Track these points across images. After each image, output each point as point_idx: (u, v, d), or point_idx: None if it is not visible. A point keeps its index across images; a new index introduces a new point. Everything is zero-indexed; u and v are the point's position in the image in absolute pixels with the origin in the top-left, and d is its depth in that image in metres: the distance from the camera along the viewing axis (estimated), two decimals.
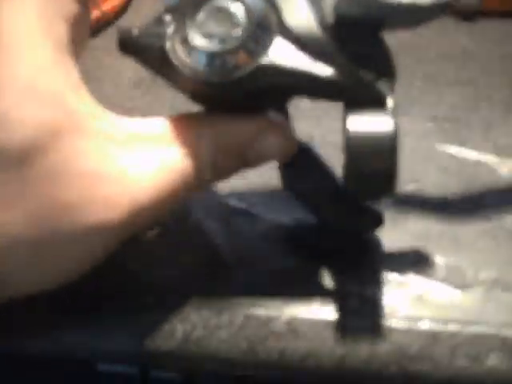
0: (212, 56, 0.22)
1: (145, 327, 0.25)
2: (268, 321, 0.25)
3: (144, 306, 0.25)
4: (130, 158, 0.22)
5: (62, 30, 0.22)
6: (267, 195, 0.30)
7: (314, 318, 0.25)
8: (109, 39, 0.44)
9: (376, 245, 0.27)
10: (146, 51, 0.23)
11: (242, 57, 0.22)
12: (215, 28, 0.22)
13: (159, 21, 0.23)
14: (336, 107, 0.23)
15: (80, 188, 0.21)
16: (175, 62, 0.22)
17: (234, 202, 0.29)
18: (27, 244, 0.21)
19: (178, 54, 0.22)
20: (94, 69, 0.39)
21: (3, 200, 0.20)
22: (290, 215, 0.28)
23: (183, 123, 0.23)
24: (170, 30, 0.23)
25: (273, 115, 0.24)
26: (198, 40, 0.22)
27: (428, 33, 0.34)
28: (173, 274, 0.27)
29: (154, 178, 0.22)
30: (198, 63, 0.22)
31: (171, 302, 0.25)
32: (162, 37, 0.23)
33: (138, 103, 0.37)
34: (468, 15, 0.26)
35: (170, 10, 0.23)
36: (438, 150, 0.27)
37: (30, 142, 0.20)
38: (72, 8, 0.23)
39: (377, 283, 0.25)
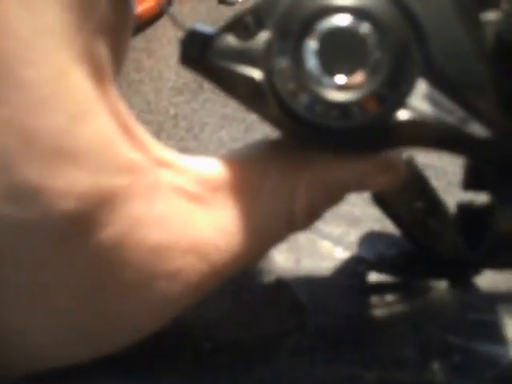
0: (330, 104, 0.16)
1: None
2: (353, 378, 0.21)
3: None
4: (205, 215, 0.17)
5: (101, 49, 0.16)
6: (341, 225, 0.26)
7: (409, 378, 0.21)
8: (148, 39, 0.40)
9: (475, 286, 0.23)
10: (226, 74, 0.17)
11: (370, 105, 0.16)
12: (335, 60, 0.16)
13: (242, 28, 0.17)
14: None
15: (141, 265, 0.16)
16: (271, 99, 0.16)
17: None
18: (77, 328, 0.17)
19: (277, 87, 0.16)
20: (133, 72, 0.35)
21: (45, 292, 0.16)
22: (371, 249, 0.25)
23: (272, 165, 0.18)
24: (260, 46, 0.16)
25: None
26: (307, 76, 0.16)
27: None
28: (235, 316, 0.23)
29: (234, 240, 0.17)
30: (308, 108, 0.16)
31: (228, 348, 0.22)
32: (248, 57, 0.16)
33: (183, 110, 0.34)
34: None
35: (253, 13, 0.16)
36: None
37: (74, 218, 0.15)
38: (109, 14, 0.16)
39: (482, 334, 0.21)
